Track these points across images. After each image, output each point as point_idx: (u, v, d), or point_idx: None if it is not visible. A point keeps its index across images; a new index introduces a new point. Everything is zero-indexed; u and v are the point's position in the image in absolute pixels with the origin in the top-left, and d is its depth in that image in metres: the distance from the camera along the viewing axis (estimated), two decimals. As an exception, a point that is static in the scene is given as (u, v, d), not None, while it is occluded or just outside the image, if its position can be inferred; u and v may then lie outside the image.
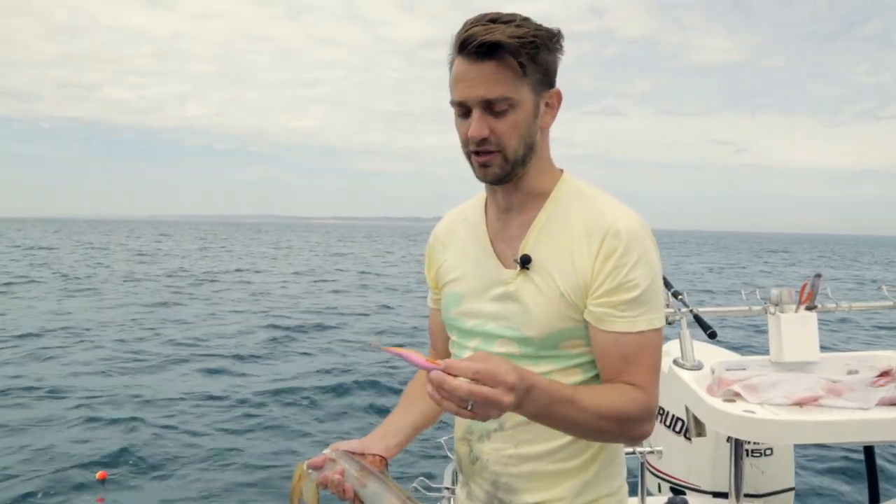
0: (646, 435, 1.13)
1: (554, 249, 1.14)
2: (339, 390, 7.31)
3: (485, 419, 0.92)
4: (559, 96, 1.15)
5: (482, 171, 1.13)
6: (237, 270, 24.76)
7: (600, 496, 1.19)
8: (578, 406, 1.03)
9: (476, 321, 1.22)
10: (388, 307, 15.20)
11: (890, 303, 2.49)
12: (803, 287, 2.34)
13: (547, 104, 1.14)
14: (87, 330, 10.92)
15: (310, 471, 1.16)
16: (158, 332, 10.89)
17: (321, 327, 12.04)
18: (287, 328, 11.69)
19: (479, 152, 1.11)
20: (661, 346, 1.15)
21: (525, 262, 1.15)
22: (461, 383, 0.88)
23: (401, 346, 0.96)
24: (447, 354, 1.33)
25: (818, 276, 2.38)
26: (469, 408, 0.90)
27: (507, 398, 0.90)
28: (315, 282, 21.02)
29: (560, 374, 1.14)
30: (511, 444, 1.17)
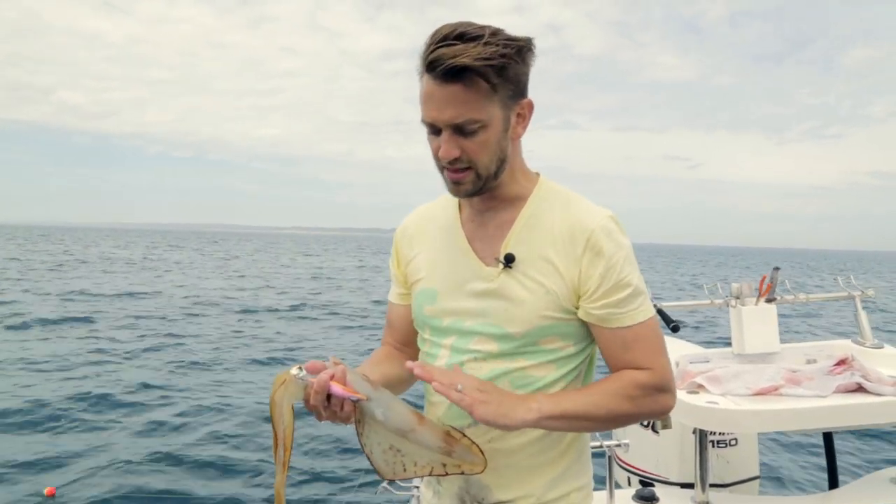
0: (667, 407, 1.17)
1: (536, 248, 1.16)
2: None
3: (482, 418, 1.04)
4: (530, 106, 1.14)
5: (455, 187, 1.14)
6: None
7: (571, 490, 1.20)
8: (591, 415, 1.10)
9: (453, 319, 1.21)
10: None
11: (845, 293, 2.57)
12: (762, 280, 2.40)
13: (518, 115, 1.13)
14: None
15: (303, 374, 1.01)
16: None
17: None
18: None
19: (451, 169, 1.12)
20: (659, 327, 1.21)
21: (509, 260, 1.16)
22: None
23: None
24: (408, 345, 1.34)
25: (776, 269, 2.44)
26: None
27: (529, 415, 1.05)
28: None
29: (535, 370, 1.16)
30: (485, 439, 1.16)
